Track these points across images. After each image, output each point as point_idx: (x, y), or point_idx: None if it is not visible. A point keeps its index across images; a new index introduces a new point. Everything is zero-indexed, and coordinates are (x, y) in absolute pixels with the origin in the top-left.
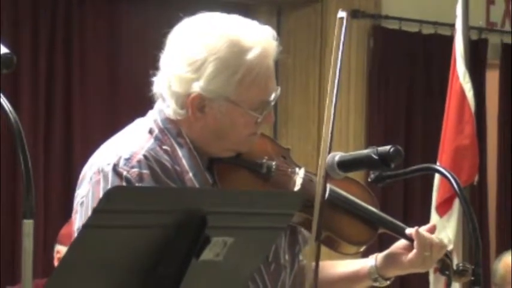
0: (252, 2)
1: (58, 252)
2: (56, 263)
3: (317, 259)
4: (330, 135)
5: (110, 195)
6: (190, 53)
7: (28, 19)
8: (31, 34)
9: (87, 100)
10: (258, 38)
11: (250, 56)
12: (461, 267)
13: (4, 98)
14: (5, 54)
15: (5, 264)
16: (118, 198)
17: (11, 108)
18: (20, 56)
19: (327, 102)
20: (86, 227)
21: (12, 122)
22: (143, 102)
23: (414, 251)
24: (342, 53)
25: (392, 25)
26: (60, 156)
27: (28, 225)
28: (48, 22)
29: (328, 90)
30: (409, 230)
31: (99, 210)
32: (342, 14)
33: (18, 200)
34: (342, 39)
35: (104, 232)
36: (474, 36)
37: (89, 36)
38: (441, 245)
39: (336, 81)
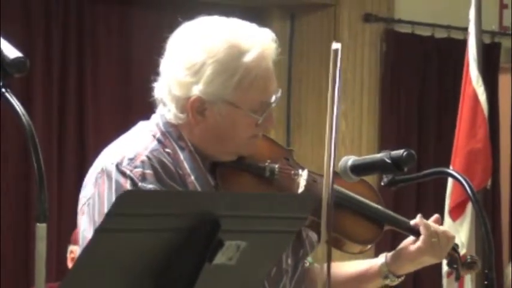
0: (265, 7)
1: (72, 252)
2: (69, 263)
3: (328, 261)
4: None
5: (123, 198)
6: (189, 57)
7: (41, 23)
8: (44, 37)
9: (100, 103)
10: (256, 40)
11: (249, 57)
12: (469, 260)
13: (17, 101)
14: (18, 57)
15: (19, 268)
16: (130, 202)
17: (23, 111)
18: (33, 59)
19: (327, 131)
20: (98, 231)
21: (25, 124)
22: (156, 105)
23: (421, 237)
24: (339, 84)
25: (405, 29)
26: (73, 159)
27: (41, 229)
28: (61, 25)
29: (327, 122)
30: (414, 220)
31: (112, 214)
32: (336, 45)
33: (32, 204)
34: (338, 70)
35: (116, 236)
36: (487, 40)
37: (101, 39)
38: (448, 234)
39: (334, 116)
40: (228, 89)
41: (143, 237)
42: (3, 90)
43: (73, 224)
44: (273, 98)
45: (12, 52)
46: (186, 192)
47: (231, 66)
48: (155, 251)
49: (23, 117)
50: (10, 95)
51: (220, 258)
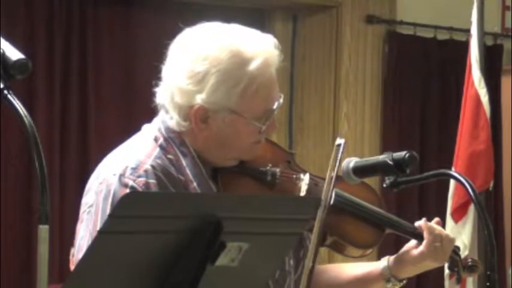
0: (268, 8)
1: (73, 255)
2: (72, 266)
3: (314, 262)
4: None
5: (125, 200)
6: (191, 65)
7: (43, 25)
8: (46, 39)
9: (103, 104)
10: (259, 48)
11: (252, 66)
12: (470, 263)
13: (19, 103)
14: (21, 59)
15: (21, 270)
16: (133, 204)
17: (26, 113)
18: (35, 61)
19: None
20: (101, 232)
21: (27, 126)
22: (158, 110)
23: (425, 241)
24: (335, 175)
25: (407, 30)
26: (75, 161)
27: (44, 231)
28: (63, 27)
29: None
30: (418, 223)
31: (115, 216)
32: (340, 141)
33: (34, 205)
34: (337, 164)
35: (119, 238)
36: (489, 41)
37: (104, 41)
38: (450, 237)
39: (329, 198)
40: (232, 98)
41: (145, 239)
42: (5, 91)
43: (75, 226)
44: (276, 105)
45: (14, 54)
46: (188, 194)
47: (235, 76)
48: (157, 252)
49: (25, 119)
50: (12, 97)
51: (222, 260)
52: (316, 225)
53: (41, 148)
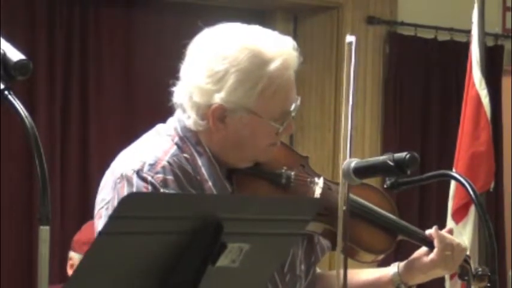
0: (269, 9)
1: (70, 258)
2: (68, 270)
3: (345, 270)
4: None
5: (126, 201)
6: (211, 65)
7: (44, 25)
8: (47, 40)
9: (103, 105)
10: (279, 49)
11: (272, 67)
12: (480, 272)
13: (20, 104)
14: (22, 60)
15: (21, 271)
16: (134, 205)
17: (27, 114)
18: (36, 62)
19: (342, 131)
20: (102, 233)
21: (28, 127)
22: (159, 107)
23: (435, 249)
24: (354, 78)
25: (408, 31)
26: (76, 161)
27: (44, 232)
28: (64, 28)
29: (342, 117)
30: (429, 231)
31: (115, 217)
32: (350, 38)
33: (35, 206)
34: (353, 63)
35: (120, 238)
36: (490, 42)
37: (105, 42)
38: (461, 247)
39: (350, 108)
40: (251, 98)
41: (146, 239)
42: (6, 92)
43: (76, 227)
44: (293, 107)
45: (15, 55)
46: (189, 194)
47: (254, 76)
48: (158, 253)
49: (25, 120)
50: (13, 98)
51: (223, 261)
52: (339, 232)
53: (42, 149)
